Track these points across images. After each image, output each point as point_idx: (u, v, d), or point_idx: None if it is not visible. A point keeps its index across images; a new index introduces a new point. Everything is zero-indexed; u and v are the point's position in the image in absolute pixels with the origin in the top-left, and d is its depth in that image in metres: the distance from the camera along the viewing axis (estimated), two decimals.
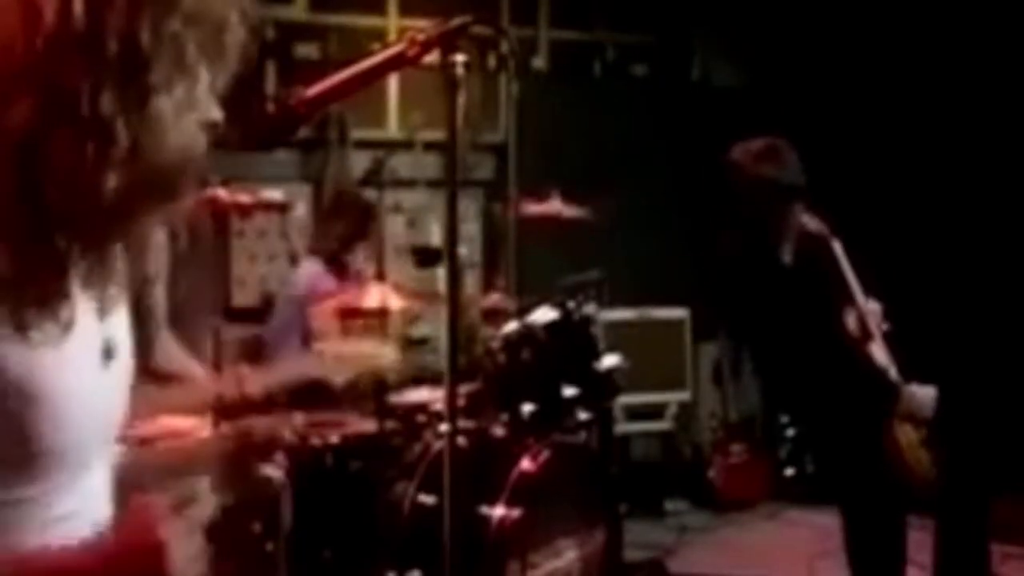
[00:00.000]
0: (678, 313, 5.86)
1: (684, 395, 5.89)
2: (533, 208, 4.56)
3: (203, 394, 3.03)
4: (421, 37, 1.76)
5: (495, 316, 4.63)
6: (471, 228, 5.71)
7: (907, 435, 3.39)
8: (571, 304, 4.29)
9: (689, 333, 5.90)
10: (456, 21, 1.77)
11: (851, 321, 3.46)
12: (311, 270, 4.59)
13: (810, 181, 5.77)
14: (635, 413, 5.73)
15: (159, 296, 3.13)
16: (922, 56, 5.34)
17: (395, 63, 1.78)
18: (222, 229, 5.25)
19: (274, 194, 4.95)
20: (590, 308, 4.39)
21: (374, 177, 3.87)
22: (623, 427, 5.63)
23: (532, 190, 4.58)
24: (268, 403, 3.55)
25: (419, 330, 5.26)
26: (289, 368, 3.08)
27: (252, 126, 1.76)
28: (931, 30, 5.33)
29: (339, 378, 3.14)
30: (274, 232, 5.21)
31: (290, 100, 1.71)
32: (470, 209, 5.72)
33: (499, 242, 5.57)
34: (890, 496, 3.45)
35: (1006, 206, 5.11)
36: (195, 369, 3.22)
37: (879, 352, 3.42)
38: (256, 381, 2.98)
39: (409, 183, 5.40)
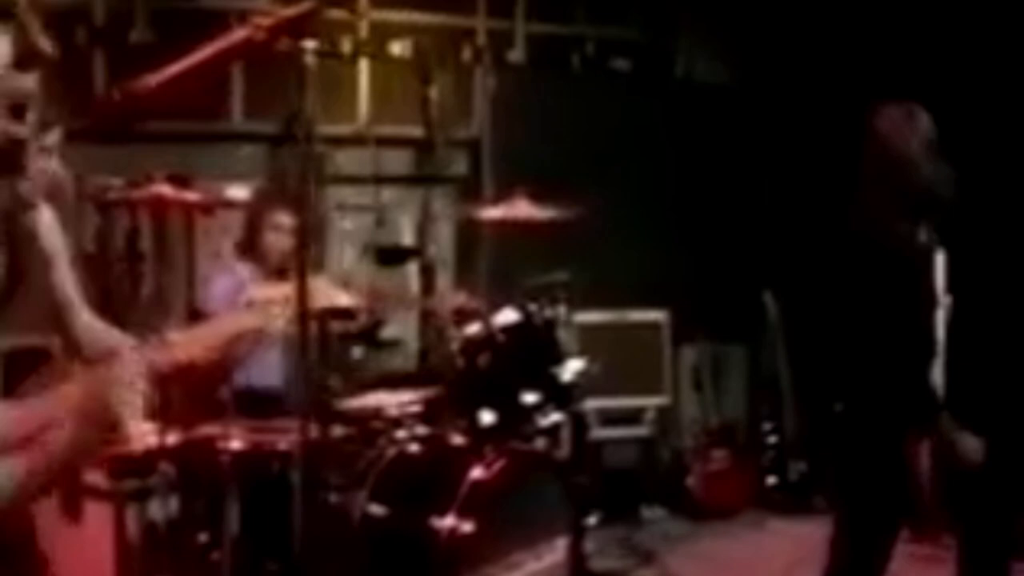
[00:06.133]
0: (656, 315, 5.71)
1: (662, 400, 5.75)
2: (506, 208, 4.41)
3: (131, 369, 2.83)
4: (267, 22, 1.61)
5: (467, 318, 4.49)
6: (443, 227, 5.56)
7: (926, 456, 3.32)
8: (532, 306, 4.16)
9: (668, 336, 5.75)
10: (305, 5, 1.61)
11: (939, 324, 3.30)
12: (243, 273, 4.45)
13: (801, 179, 5.67)
14: (611, 418, 5.60)
15: (64, 276, 2.94)
16: (910, 53, 5.19)
17: (240, 50, 1.64)
18: (187, 228, 5.15)
19: (238, 191, 4.83)
20: (555, 310, 4.27)
21: (315, 174, 3.71)
22: (598, 433, 5.50)
23: (507, 188, 4.47)
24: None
25: (387, 332, 5.14)
26: (220, 325, 2.77)
27: (83, 118, 1.63)
28: (919, 26, 5.19)
29: (276, 324, 2.88)
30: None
31: (116, 93, 1.58)
32: (443, 207, 5.56)
33: (472, 241, 5.43)
34: (893, 508, 3.32)
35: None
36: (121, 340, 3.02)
37: (936, 371, 3.26)
38: (187, 346, 2.69)
39: (378, 180, 5.30)
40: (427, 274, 5.32)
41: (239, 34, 1.66)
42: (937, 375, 3.26)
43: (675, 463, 5.85)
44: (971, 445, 3.20)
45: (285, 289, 2.91)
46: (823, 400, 3.51)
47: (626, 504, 5.53)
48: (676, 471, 5.76)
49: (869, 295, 3.21)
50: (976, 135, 4.96)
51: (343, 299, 3.67)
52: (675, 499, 5.68)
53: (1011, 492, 3.35)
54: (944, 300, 3.30)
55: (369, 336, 5.02)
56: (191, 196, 4.00)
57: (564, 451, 4.85)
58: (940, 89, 4.99)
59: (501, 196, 4.48)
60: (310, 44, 1.67)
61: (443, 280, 5.45)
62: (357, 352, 5.18)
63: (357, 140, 5.17)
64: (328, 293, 3.57)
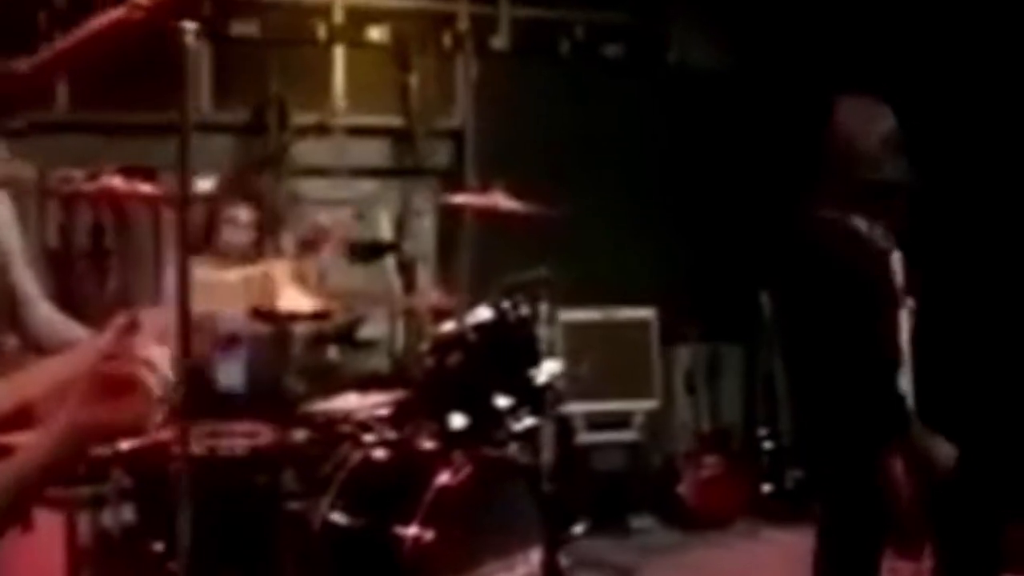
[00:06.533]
0: (644, 313, 5.52)
1: (652, 403, 5.56)
2: (485, 201, 4.22)
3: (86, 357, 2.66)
4: (145, 2, 1.46)
5: (445, 316, 4.32)
6: (424, 221, 5.38)
7: (899, 465, 3.12)
8: (505, 304, 3.95)
9: (657, 336, 5.56)
10: None
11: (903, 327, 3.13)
12: None
13: (801, 171, 5.45)
14: (598, 422, 5.43)
15: (21, 271, 2.82)
16: (905, 40, 5.03)
17: (119, 30, 1.48)
18: (154, 221, 5.00)
19: (205, 184, 4.65)
20: (535, 308, 4.10)
21: (276, 164, 3.52)
22: (585, 437, 5.34)
23: (490, 181, 4.29)
24: None
25: (364, 332, 4.97)
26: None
27: None
28: (915, 14, 5.00)
29: (231, 309, 2.71)
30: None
31: None
32: (424, 201, 5.37)
33: (454, 236, 5.24)
34: (875, 522, 3.16)
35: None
36: (81, 334, 2.88)
37: (904, 378, 3.13)
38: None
39: (357, 172, 5.14)
40: (406, 271, 5.14)
41: (114, 14, 1.50)
42: (905, 382, 3.11)
43: (666, 469, 5.64)
44: (946, 451, 3.06)
45: (236, 274, 2.72)
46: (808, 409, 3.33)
47: (614, 512, 5.35)
48: (667, 478, 5.56)
49: (826, 297, 3.03)
50: (964, 131, 4.80)
51: (295, 293, 3.46)
52: (666, 507, 5.49)
53: (994, 504, 3.20)
54: (908, 303, 3.12)
55: (346, 336, 4.86)
56: (149, 189, 3.86)
57: (548, 456, 4.68)
58: (934, 79, 4.85)
59: (484, 188, 4.29)
60: (191, 26, 1.50)
61: (424, 277, 5.27)
62: (332, 353, 5.01)
63: (326, 130, 4.99)
64: (280, 285, 3.37)
